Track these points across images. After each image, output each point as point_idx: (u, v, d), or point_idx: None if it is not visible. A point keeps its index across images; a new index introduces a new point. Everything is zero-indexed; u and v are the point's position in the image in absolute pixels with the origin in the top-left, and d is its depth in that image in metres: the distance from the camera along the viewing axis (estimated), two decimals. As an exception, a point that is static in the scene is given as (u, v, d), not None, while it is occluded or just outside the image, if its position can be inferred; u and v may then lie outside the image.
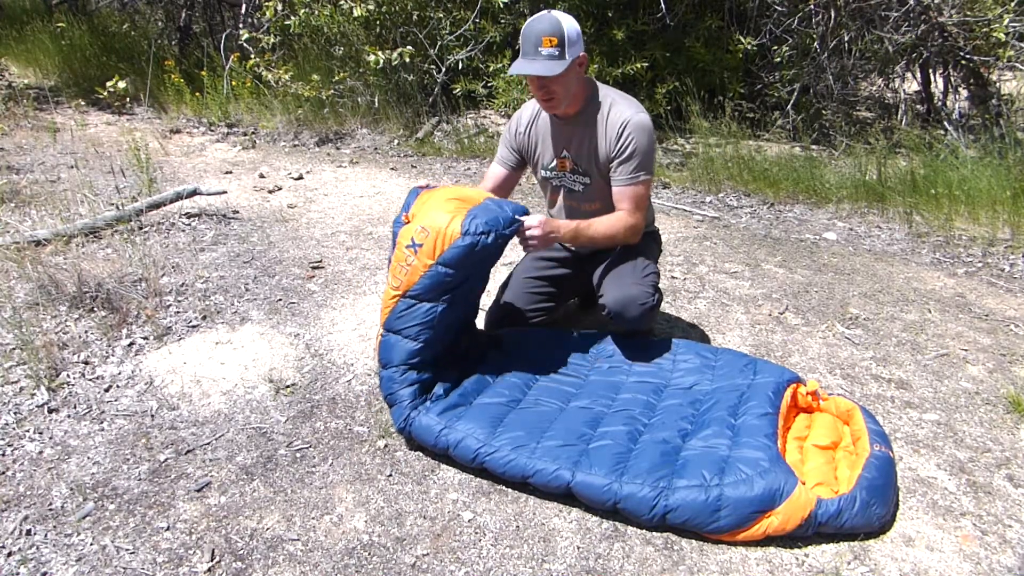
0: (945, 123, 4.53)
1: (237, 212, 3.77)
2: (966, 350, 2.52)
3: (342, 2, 5.07)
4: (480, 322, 2.55)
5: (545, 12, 2.02)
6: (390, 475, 1.91)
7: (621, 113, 2.11)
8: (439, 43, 5.20)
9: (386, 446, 2.02)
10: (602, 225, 2.17)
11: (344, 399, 2.24)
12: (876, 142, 4.33)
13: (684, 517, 1.67)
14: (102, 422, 2.12)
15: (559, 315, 2.65)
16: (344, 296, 2.88)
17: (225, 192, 3.93)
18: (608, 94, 2.17)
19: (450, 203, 1.98)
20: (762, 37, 4.83)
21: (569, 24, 2.00)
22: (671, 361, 2.22)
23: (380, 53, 4.86)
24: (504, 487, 1.87)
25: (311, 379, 2.34)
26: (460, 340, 2.18)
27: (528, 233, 2.00)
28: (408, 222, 2.02)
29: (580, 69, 2.08)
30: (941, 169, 3.87)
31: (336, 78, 5.38)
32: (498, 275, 3.04)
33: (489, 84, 5.31)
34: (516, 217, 1.98)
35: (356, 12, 4.93)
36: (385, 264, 3.18)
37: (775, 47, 4.81)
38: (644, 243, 2.33)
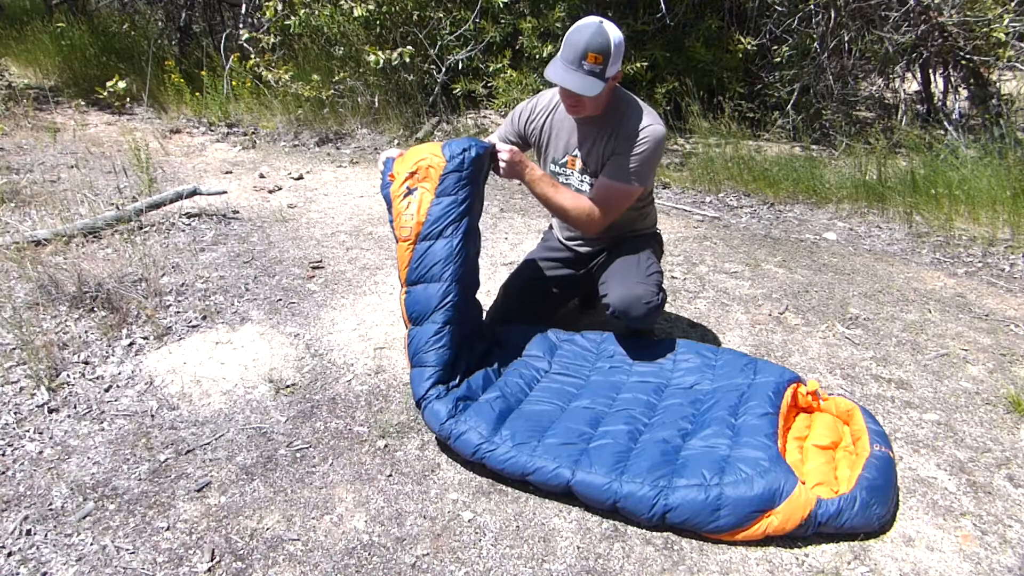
0: (945, 123, 4.53)
1: (237, 212, 3.77)
2: (966, 350, 2.52)
3: (342, 2, 5.07)
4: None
5: (596, 21, 1.96)
6: (390, 475, 1.91)
7: (642, 121, 2.11)
8: (439, 43, 5.20)
9: (386, 446, 2.02)
10: (566, 197, 2.16)
11: (344, 399, 2.24)
12: (876, 142, 4.33)
13: (684, 516, 1.67)
14: (102, 422, 2.12)
15: (560, 315, 2.65)
16: (344, 296, 2.88)
17: (225, 192, 3.93)
18: (631, 102, 2.16)
19: (424, 148, 2.05)
20: (762, 37, 4.83)
21: (616, 40, 1.96)
22: (672, 361, 2.22)
23: (380, 53, 4.86)
24: (504, 487, 1.87)
25: (311, 379, 2.34)
26: (477, 307, 2.22)
27: (500, 156, 2.06)
28: (394, 179, 2.05)
29: (613, 83, 2.06)
30: (941, 169, 3.87)
31: (336, 78, 5.38)
32: (497, 275, 3.04)
33: (489, 84, 5.31)
34: (483, 142, 2.07)
35: (356, 12, 4.93)
36: (385, 264, 3.18)
37: (775, 47, 4.81)
38: (646, 242, 2.32)
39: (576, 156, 2.23)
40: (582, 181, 2.25)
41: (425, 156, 2.00)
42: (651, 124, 2.09)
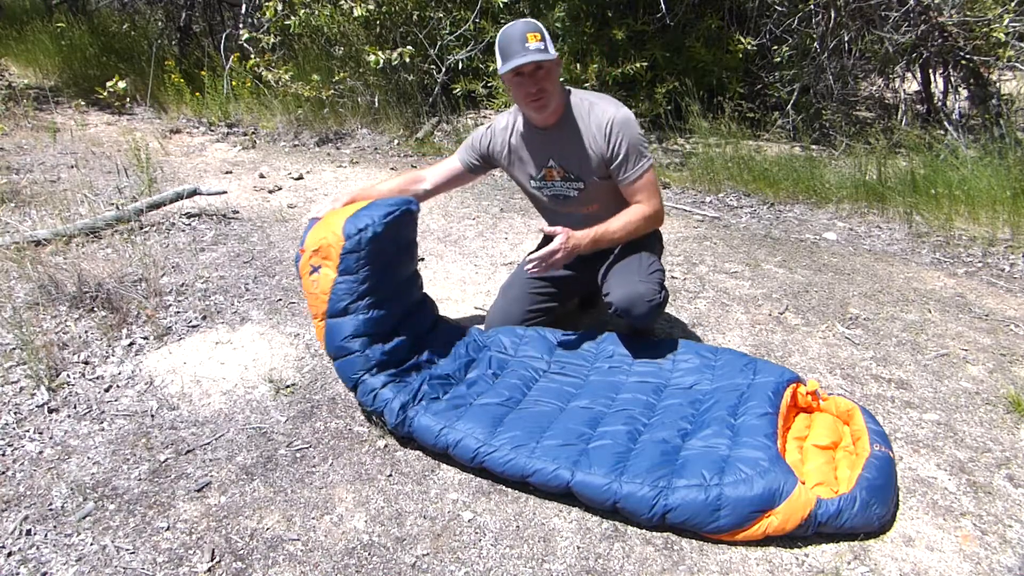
0: (945, 123, 4.53)
1: (237, 212, 3.77)
2: (966, 350, 2.51)
3: (342, 2, 5.08)
4: (482, 324, 2.55)
5: (517, 20, 2.07)
6: (390, 475, 1.91)
7: (603, 113, 2.12)
8: (439, 43, 5.20)
9: (386, 446, 2.02)
10: (619, 222, 2.17)
11: (344, 399, 2.24)
12: (876, 142, 4.32)
13: (684, 516, 1.67)
14: (102, 422, 2.12)
15: (559, 315, 2.65)
16: (344, 296, 2.88)
17: (225, 192, 3.93)
18: (584, 97, 2.18)
19: (328, 224, 2.05)
20: (762, 37, 4.83)
21: (543, 27, 2.06)
22: (671, 361, 2.22)
23: (380, 53, 4.86)
24: (504, 487, 1.87)
25: (311, 379, 2.34)
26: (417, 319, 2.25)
27: (554, 254, 2.08)
28: (303, 253, 2.07)
29: (558, 69, 2.11)
30: (941, 169, 3.87)
31: (336, 78, 5.38)
32: (497, 275, 3.05)
33: (489, 84, 5.31)
34: (398, 208, 2.07)
35: (356, 12, 4.93)
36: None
37: (775, 47, 4.81)
38: (647, 240, 2.32)
39: (553, 167, 2.23)
40: (566, 188, 2.25)
41: (326, 235, 2.00)
42: (615, 112, 2.12)
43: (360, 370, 2.00)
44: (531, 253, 2.53)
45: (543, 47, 2.00)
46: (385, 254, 2.05)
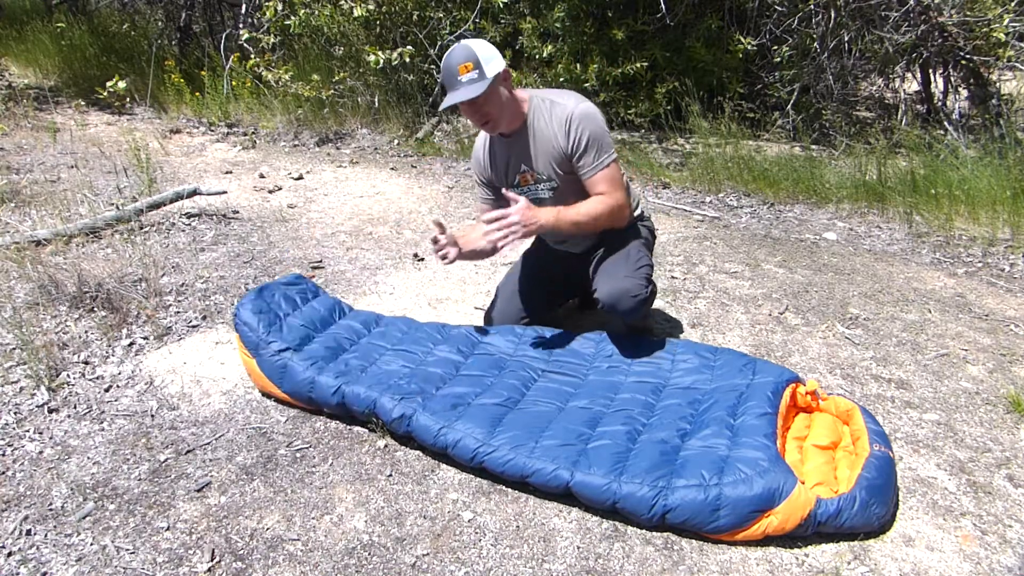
0: (945, 123, 4.53)
1: (237, 212, 3.78)
2: (966, 350, 2.51)
3: (342, 2, 5.08)
4: (480, 322, 2.55)
5: (457, 44, 2.05)
6: (390, 475, 1.91)
7: (563, 108, 2.11)
8: (439, 43, 5.21)
9: (386, 446, 2.02)
10: (583, 207, 2.15)
11: (344, 399, 2.23)
12: (876, 142, 4.33)
13: (683, 517, 1.67)
14: (102, 422, 2.12)
15: (558, 315, 2.65)
16: (344, 296, 2.88)
17: (225, 192, 3.93)
18: (545, 96, 2.17)
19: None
20: (762, 37, 4.83)
21: (480, 46, 2.02)
22: (670, 361, 2.22)
23: (380, 53, 4.86)
24: (504, 487, 1.87)
25: (311, 379, 2.34)
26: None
27: (510, 221, 2.00)
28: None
29: (507, 83, 2.09)
30: (941, 169, 3.87)
31: (336, 78, 5.38)
32: (497, 275, 3.04)
33: (489, 84, 5.30)
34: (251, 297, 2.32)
35: (356, 12, 4.93)
36: (385, 264, 3.18)
37: (775, 47, 4.81)
38: (635, 232, 2.31)
39: (525, 171, 2.23)
40: (541, 189, 2.25)
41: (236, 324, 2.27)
42: (574, 107, 2.10)
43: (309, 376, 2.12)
44: (526, 252, 2.51)
45: (475, 76, 1.99)
46: (280, 320, 2.30)
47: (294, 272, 2.82)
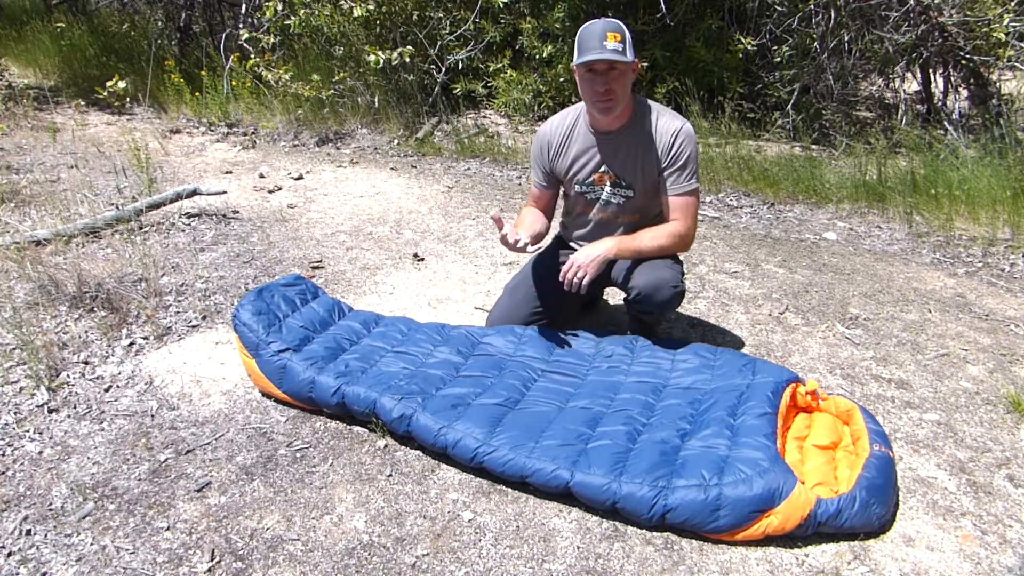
0: (945, 123, 4.53)
1: (237, 212, 3.78)
2: (966, 350, 2.52)
3: (342, 2, 5.08)
4: (482, 323, 2.55)
5: (602, 19, 2.07)
6: (390, 475, 1.91)
7: (671, 123, 2.13)
8: (439, 43, 5.21)
9: (386, 446, 2.02)
10: (649, 237, 2.17)
11: (344, 399, 2.23)
12: (876, 142, 4.33)
13: (683, 517, 1.67)
14: (102, 422, 2.12)
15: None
16: (344, 296, 2.88)
17: (225, 192, 3.93)
18: (654, 107, 2.18)
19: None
20: (762, 37, 4.82)
21: (627, 30, 2.04)
22: (670, 361, 2.22)
23: (380, 53, 4.86)
24: (504, 487, 1.87)
25: (311, 379, 2.34)
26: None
27: (577, 272, 2.11)
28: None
29: (634, 75, 2.11)
30: (941, 169, 3.87)
31: (336, 78, 5.38)
32: (497, 275, 3.05)
33: (489, 84, 5.31)
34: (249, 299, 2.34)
35: (356, 12, 4.93)
36: (385, 264, 3.18)
37: (775, 47, 4.81)
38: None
39: (606, 172, 2.22)
40: (614, 194, 2.24)
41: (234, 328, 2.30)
42: (683, 125, 2.14)
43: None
44: (540, 253, 2.49)
45: (621, 49, 1.99)
46: (279, 321, 2.32)
47: (294, 272, 2.82)
